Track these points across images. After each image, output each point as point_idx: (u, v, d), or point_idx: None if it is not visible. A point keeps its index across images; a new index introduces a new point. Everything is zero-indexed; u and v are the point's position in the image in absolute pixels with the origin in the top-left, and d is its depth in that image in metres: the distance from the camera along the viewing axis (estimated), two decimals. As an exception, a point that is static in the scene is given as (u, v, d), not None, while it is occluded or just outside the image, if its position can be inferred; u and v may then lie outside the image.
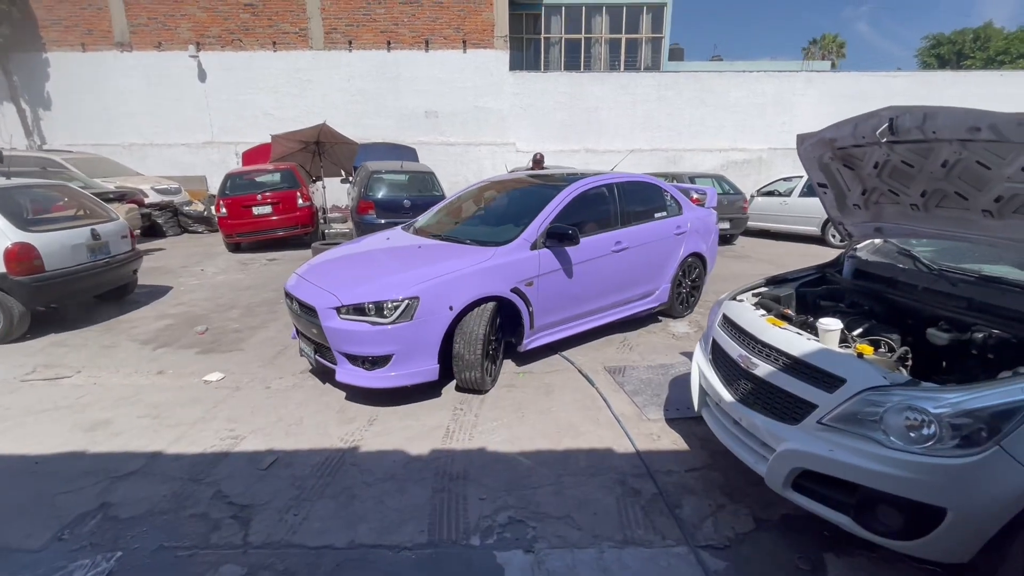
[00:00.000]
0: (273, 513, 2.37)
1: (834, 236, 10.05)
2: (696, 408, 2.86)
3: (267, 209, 8.86)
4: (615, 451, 2.90)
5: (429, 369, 3.36)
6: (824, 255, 8.97)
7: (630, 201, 4.68)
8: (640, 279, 4.70)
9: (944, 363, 2.31)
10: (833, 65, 28.55)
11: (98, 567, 2.06)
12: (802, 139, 2.80)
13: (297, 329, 3.89)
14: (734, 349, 2.53)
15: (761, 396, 2.29)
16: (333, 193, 12.32)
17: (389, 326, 3.19)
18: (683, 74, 14.93)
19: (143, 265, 6.09)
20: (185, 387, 3.72)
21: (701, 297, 5.59)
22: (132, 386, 3.74)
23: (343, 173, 10.93)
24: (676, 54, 25.02)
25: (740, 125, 14.60)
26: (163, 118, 13.95)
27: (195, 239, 10.71)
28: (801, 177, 10.91)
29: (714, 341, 2.79)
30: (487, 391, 3.62)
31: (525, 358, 4.20)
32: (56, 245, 4.72)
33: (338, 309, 3.26)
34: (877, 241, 3.19)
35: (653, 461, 2.80)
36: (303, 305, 3.49)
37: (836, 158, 2.71)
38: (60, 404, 3.44)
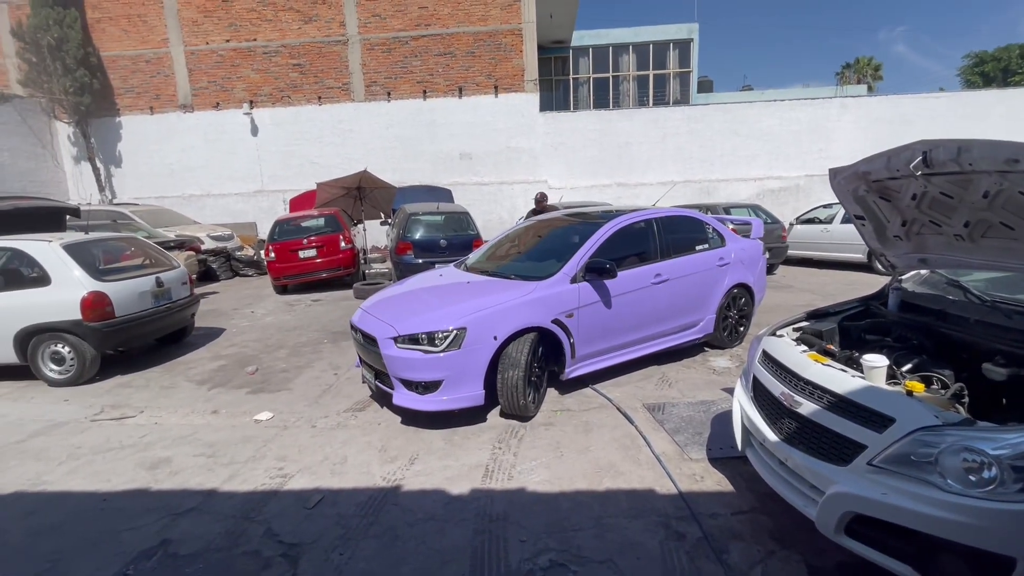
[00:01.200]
0: (320, 552, 2.44)
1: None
2: (740, 447, 2.79)
3: (312, 252, 9.32)
4: (657, 492, 2.85)
5: (476, 394, 3.62)
6: (870, 283, 8.64)
7: (670, 234, 4.77)
8: (683, 310, 4.75)
9: (1004, 400, 2.20)
10: (870, 88, 28.07)
11: (159, 603, 2.17)
12: (835, 173, 2.80)
13: (360, 358, 4.21)
14: (776, 386, 2.48)
15: (806, 435, 2.23)
16: (373, 235, 12.85)
17: (440, 354, 3.50)
18: (712, 106, 15.04)
19: (199, 308, 6.49)
20: (237, 426, 3.91)
21: (750, 328, 5.50)
22: (189, 425, 3.95)
23: (382, 216, 11.41)
24: (705, 86, 25.22)
25: (774, 153, 14.46)
26: (218, 171, 15.05)
27: (245, 282, 11.33)
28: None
29: (755, 378, 2.74)
30: (531, 417, 3.79)
31: (566, 388, 4.32)
32: (125, 293, 5.13)
33: (395, 339, 3.60)
34: (923, 272, 3.10)
35: (697, 503, 2.73)
36: (366, 336, 3.85)
37: (872, 191, 2.69)
38: (125, 443, 3.67)
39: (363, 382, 4.27)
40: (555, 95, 20.98)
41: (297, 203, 12.73)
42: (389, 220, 10.94)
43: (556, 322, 3.86)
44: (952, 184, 2.27)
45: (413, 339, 3.55)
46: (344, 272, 9.68)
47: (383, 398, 4.07)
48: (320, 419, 3.97)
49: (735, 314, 5.27)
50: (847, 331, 2.84)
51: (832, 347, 2.59)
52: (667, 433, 3.53)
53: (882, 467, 1.89)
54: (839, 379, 2.18)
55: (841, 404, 2.10)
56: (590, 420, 3.78)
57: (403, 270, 8.76)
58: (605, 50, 20.62)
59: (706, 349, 5.25)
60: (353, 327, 4.13)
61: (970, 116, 13.60)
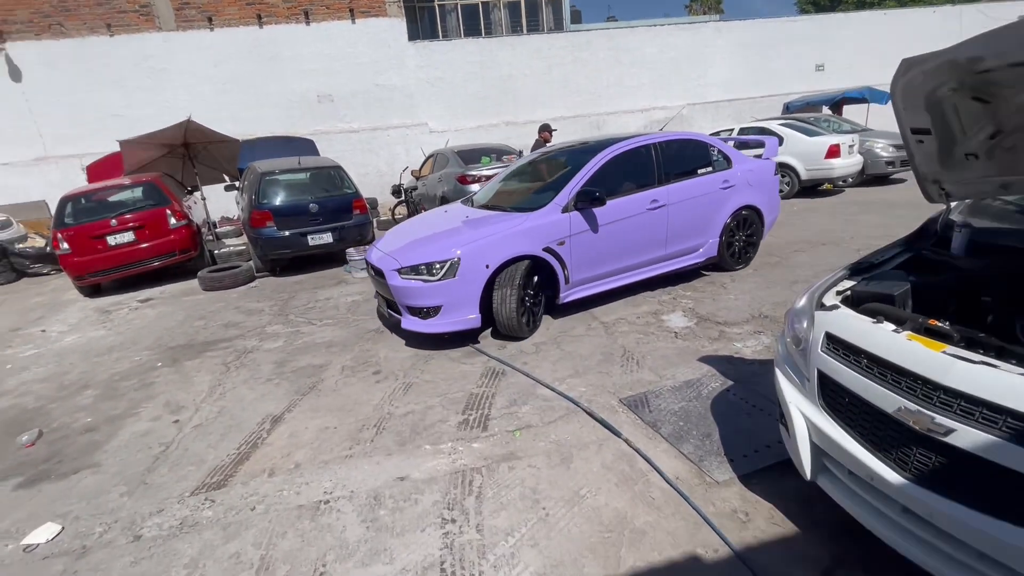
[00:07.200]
0: None
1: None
2: (808, 475, 1.97)
3: (129, 236, 6.90)
4: (703, 559, 1.96)
5: (472, 318, 3.94)
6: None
7: (669, 159, 4.69)
8: (683, 234, 4.73)
9: None
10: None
11: None
12: (908, 65, 1.91)
13: (376, 291, 4.71)
14: (882, 396, 1.64)
15: (974, 482, 1.41)
16: (221, 203, 10.31)
17: (437, 282, 3.81)
18: (595, 32, 14.16)
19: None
20: (-10, 566, 2.27)
21: (758, 253, 5.46)
22: None
23: (226, 178, 9.05)
24: (574, 16, 24.22)
25: (658, 82, 14.16)
26: (-30, 133, 10.92)
27: (38, 284, 8.39)
28: (731, 130, 10.60)
29: (822, 375, 1.90)
30: (524, 338, 4.08)
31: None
32: None
33: (399, 270, 3.94)
34: (967, 201, 2.45)
35: (763, 564, 1.88)
36: (376, 270, 4.21)
37: (964, 88, 1.85)
38: None
39: (378, 312, 4.85)
40: (420, 25, 18.55)
41: (100, 170, 9.57)
42: (236, 183, 8.66)
43: (548, 250, 4.04)
44: None
45: (414, 269, 3.86)
46: (182, 257, 7.39)
47: (394, 326, 4.44)
48: (150, 518, 2.47)
49: (743, 236, 5.19)
50: (920, 290, 2.08)
51: (937, 323, 1.79)
52: (668, 443, 2.66)
53: None
54: (1024, 390, 1.35)
55: (1052, 437, 1.28)
56: (562, 439, 2.79)
57: (264, 246, 6.87)
58: (471, -29, 18.45)
59: (659, 302, 4.62)
60: (367, 263, 4.53)
61: (822, 37, 14.36)
